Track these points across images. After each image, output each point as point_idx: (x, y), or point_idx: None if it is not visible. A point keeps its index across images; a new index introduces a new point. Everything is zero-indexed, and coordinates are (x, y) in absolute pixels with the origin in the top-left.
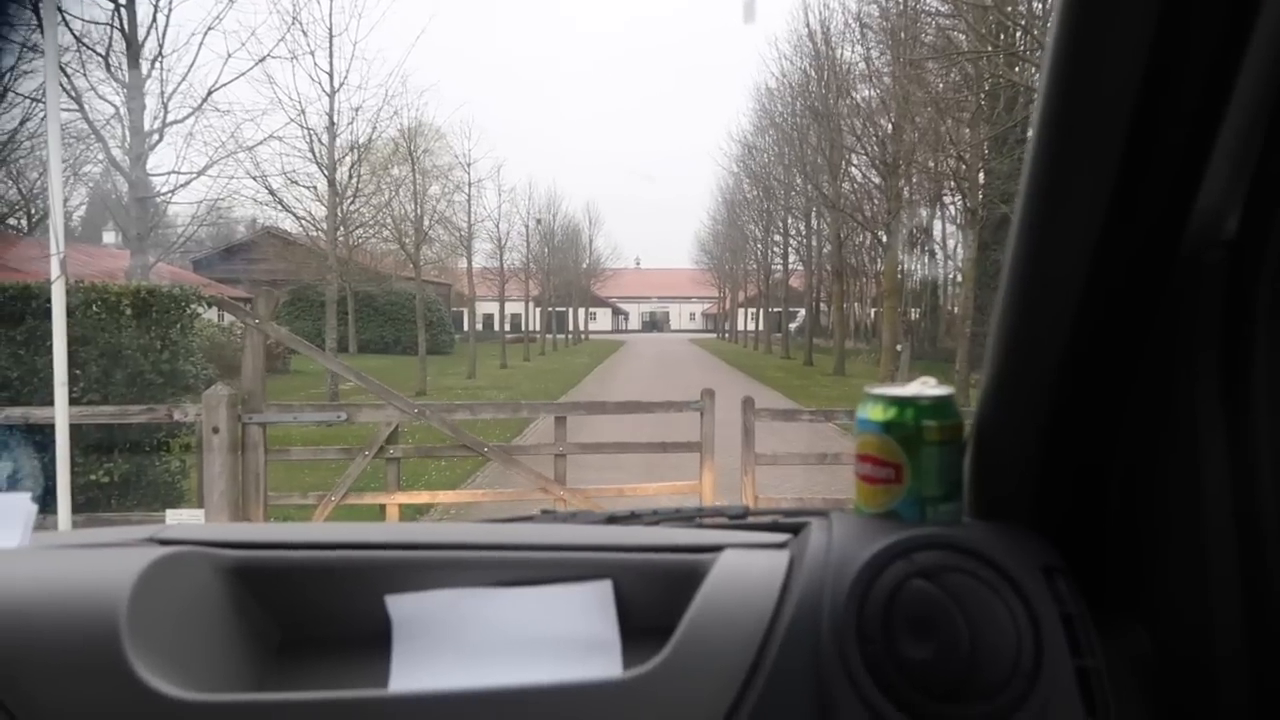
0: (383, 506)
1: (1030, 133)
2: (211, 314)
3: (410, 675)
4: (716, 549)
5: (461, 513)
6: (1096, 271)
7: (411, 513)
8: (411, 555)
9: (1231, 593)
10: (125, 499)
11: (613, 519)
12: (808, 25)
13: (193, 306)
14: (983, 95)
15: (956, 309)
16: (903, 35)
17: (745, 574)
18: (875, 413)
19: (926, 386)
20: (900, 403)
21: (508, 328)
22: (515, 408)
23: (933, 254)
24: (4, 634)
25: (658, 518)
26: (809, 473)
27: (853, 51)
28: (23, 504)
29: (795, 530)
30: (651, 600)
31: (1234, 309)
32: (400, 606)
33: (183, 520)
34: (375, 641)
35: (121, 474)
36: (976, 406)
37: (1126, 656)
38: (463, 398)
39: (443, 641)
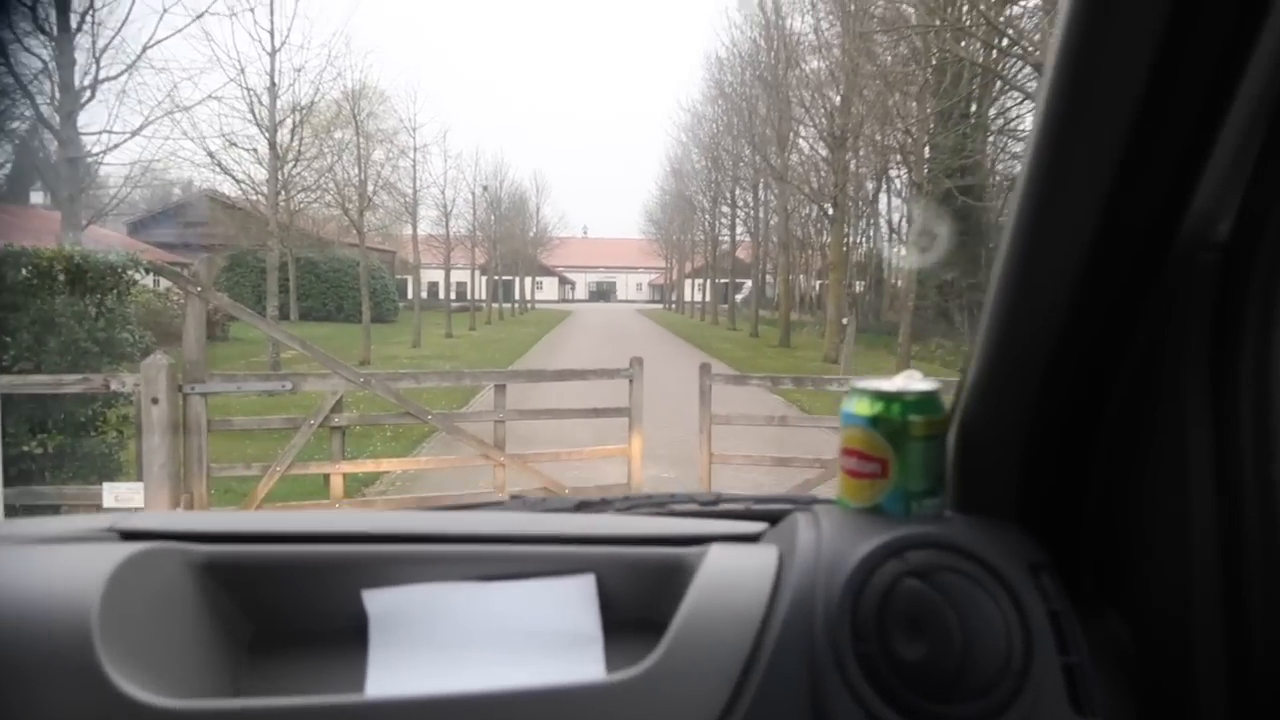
0: (327, 476)
1: (1030, 129)
2: (148, 280)
3: (388, 673)
4: (700, 541)
5: (408, 480)
6: (1089, 269)
7: (357, 484)
8: (389, 549)
9: (1212, 586)
10: (59, 472)
11: (583, 505)
12: None
13: (130, 272)
14: (930, 70)
15: (900, 282)
16: (852, 7)
17: (735, 571)
18: (862, 407)
19: (912, 380)
20: (887, 398)
21: (453, 296)
22: (459, 376)
23: (878, 227)
24: None
25: (629, 504)
26: (760, 433)
27: (802, 21)
28: None
29: (772, 519)
30: (633, 594)
31: (1224, 310)
32: (377, 601)
33: (120, 494)
34: (351, 638)
35: (55, 446)
36: (960, 401)
37: (1106, 648)
38: (408, 367)
39: (421, 638)
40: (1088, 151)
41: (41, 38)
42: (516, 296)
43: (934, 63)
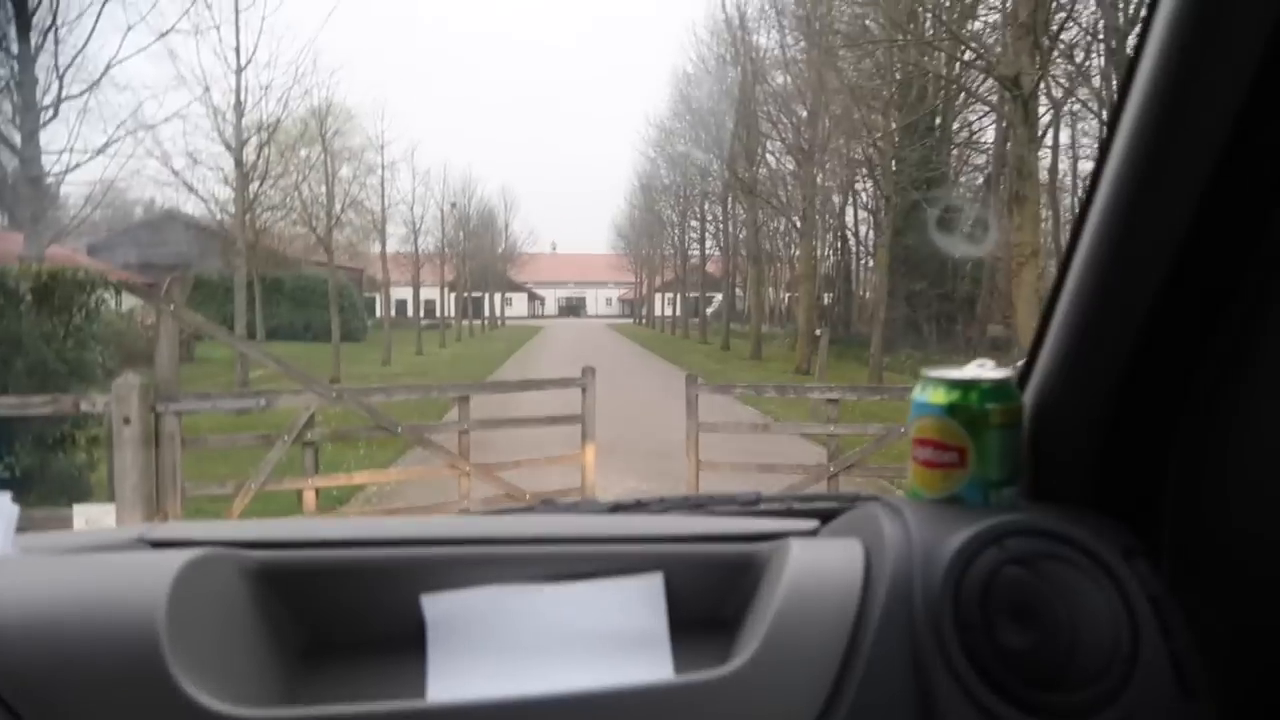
0: (300, 492)
1: (1125, 115)
2: (109, 300)
3: (449, 679)
4: (764, 538)
5: (384, 495)
6: (1180, 259)
7: (331, 500)
8: (446, 551)
9: None
10: (27, 495)
11: (617, 508)
12: (725, 10)
13: (98, 291)
14: (894, 84)
15: (869, 294)
16: (817, 24)
17: (821, 565)
18: (937, 396)
19: (985, 369)
20: (964, 386)
21: (422, 314)
22: (427, 389)
23: (845, 240)
24: (31, 650)
25: (665, 506)
26: (738, 441)
27: (769, 37)
28: (3, 506)
29: (822, 516)
30: (700, 592)
31: None
32: (436, 606)
33: (91, 516)
34: (407, 643)
35: (23, 469)
36: (1034, 387)
37: (1199, 636)
38: (379, 385)
39: (482, 642)
40: (1189, 142)
41: (1, 55)
42: (486, 313)
43: (898, 77)
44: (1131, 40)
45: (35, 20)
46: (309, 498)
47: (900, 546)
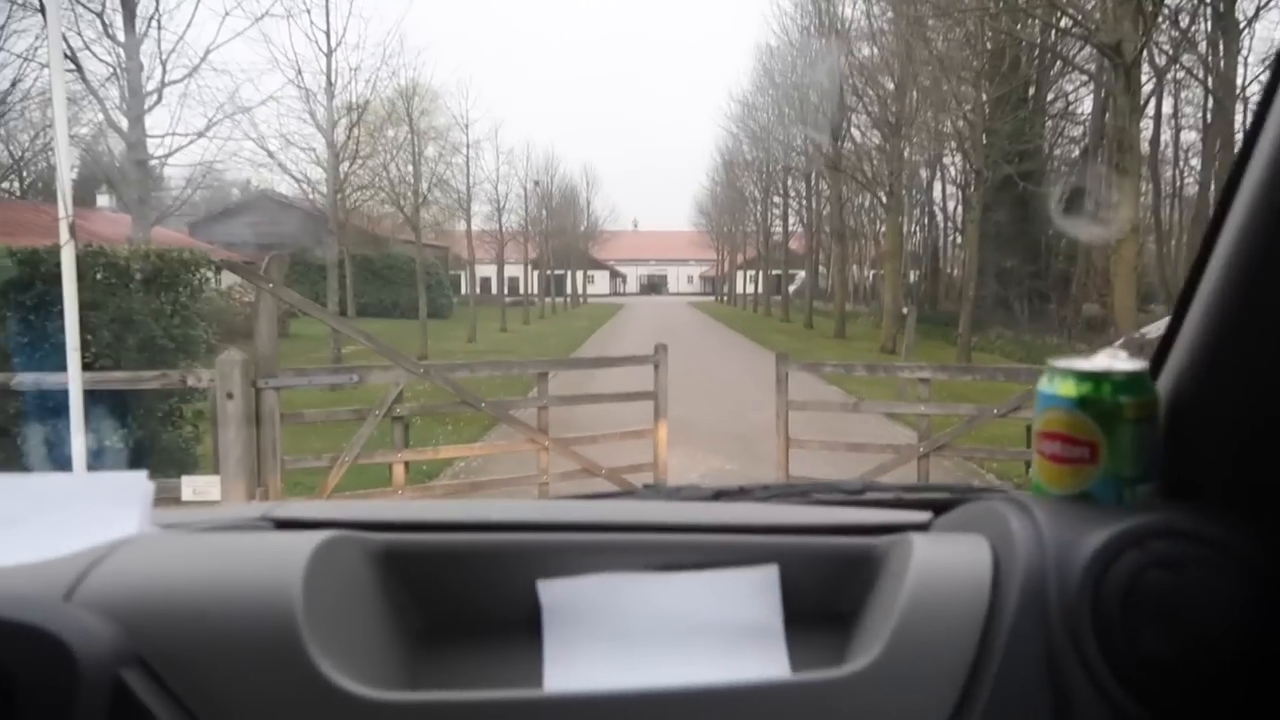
0: (391, 465)
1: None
2: (210, 278)
3: (564, 666)
4: (881, 530)
5: (471, 468)
6: None
7: (421, 475)
8: (562, 538)
9: None
10: (139, 465)
11: (721, 494)
12: None
13: (203, 271)
14: (985, 54)
15: (956, 272)
16: None
17: (948, 561)
18: (1066, 388)
19: (1118, 360)
20: (1095, 378)
21: (506, 291)
22: (508, 366)
23: (933, 216)
24: (178, 626)
25: (769, 494)
26: (824, 420)
27: (854, 8)
28: (139, 484)
29: (935, 508)
30: (815, 585)
31: None
32: (551, 592)
33: (198, 487)
34: (523, 628)
35: (135, 440)
36: (1167, 380)
37: None
38: (465, 360)
39: (596, 629)
40: None
41: (108, 43)
42: (568, 290)
43: (990, 46)
44: (1242, 3)
45: (139, 9)
46: (398, 471)
47: (1031, 545)
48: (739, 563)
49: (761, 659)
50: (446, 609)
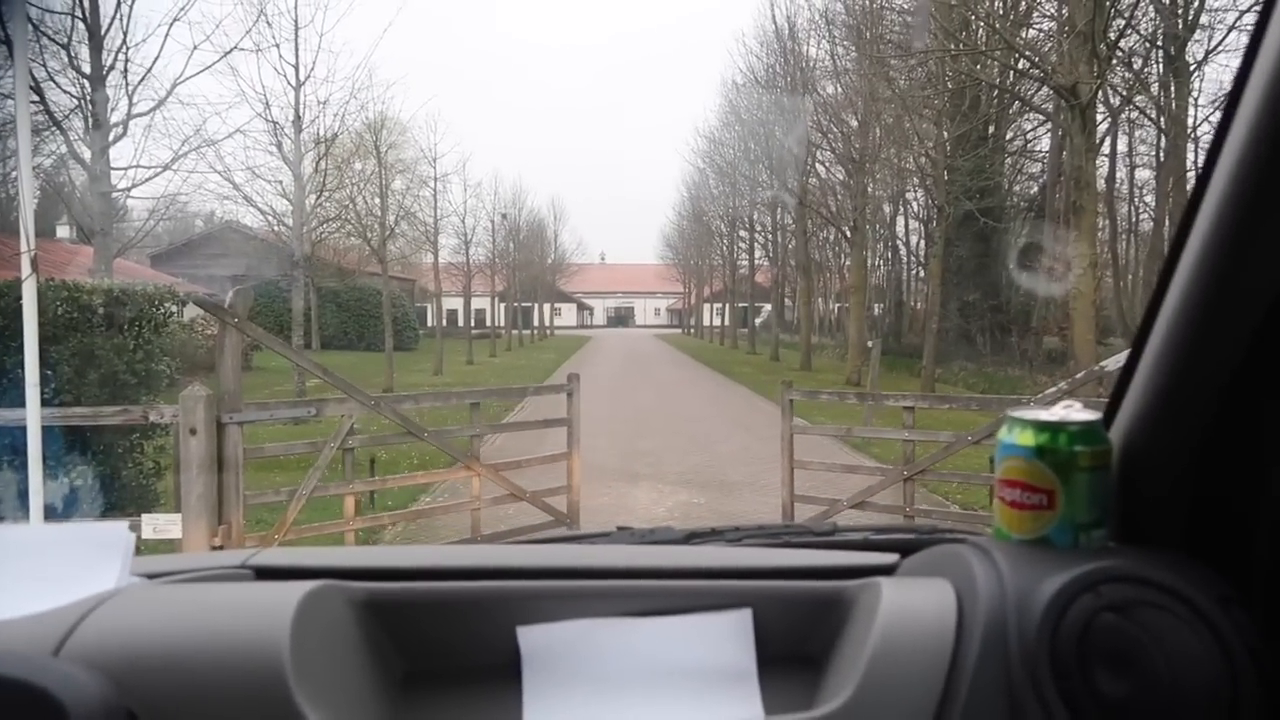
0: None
1: (1229, 135)
2: (174, 311)
3: (543, 711)
4: (850, 574)
5: (440, 494)
6: (1278, 302)
7: (385, 506)
8: (542, 584)
9: None
10: (98, 503)
11: (692, 536)
12: (774, 21)
13: (167, 305)
14: (947, 93)
15: (920, 305)
16: (867, 33)
17: (915, 605)
18: (1025, 437)
19: (1074, 411)
20: (1052, 428)
21: (473, 323)
22: (446, 397)
23: (896, 250)
24: (166, 679)
25: (740, 535)
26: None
27: (818, 48)
28: (120, 535)
29: (900, 550)
30: (786, 629)
31: None
32: (531, 638)
33: (159, 525)
34: (504, 674)
35: (96, 476)
36: (1120, 428)
37: None
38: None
39: (576, 675)
40: None
41: (73, 74)
42: (535, 322)
43: (950, 86)
44: (1191, 47)
45: (106, 40)
46: (349, 503)
47: (993, 589)
48: (714, 607)
49: (736, 703)
50: (429, 656)
